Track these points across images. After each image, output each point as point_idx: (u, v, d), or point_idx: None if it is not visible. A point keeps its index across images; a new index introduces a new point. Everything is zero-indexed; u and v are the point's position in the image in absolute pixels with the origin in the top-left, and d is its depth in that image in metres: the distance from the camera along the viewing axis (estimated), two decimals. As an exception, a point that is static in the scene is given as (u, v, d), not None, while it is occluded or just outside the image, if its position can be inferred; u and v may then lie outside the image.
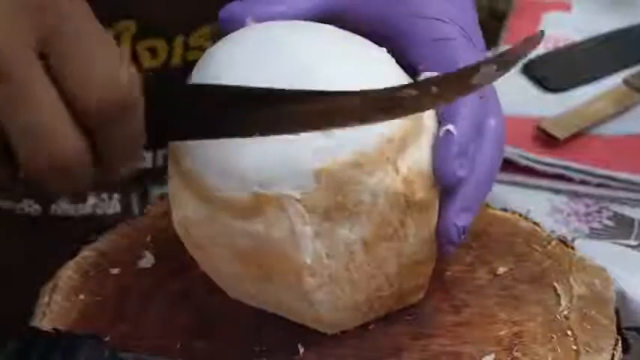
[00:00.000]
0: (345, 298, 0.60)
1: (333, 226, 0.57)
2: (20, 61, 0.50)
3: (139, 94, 0.53)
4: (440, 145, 0.59)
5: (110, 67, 0.51)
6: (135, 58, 0.75)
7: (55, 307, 0.66)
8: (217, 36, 0.62)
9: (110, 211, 0.80)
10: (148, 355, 0.62)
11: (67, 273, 0.68)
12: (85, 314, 0.66)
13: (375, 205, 0.57)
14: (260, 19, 0.61)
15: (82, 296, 0.67)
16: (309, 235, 0.57)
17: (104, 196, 0.80)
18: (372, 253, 0.58)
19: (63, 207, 0.80)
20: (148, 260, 0.69)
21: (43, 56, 0.51)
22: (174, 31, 0.75)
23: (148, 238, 0.70)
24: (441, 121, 0.60)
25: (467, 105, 0.60)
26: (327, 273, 0.58)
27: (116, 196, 0.80)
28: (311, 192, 0.56)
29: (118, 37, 0.74)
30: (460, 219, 0.60)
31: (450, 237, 0.60)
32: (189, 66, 0.74)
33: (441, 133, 0.60)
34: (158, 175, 0.79)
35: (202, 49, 0.75)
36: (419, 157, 0.59)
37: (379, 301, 0.61)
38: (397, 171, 0.58)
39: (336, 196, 0.56)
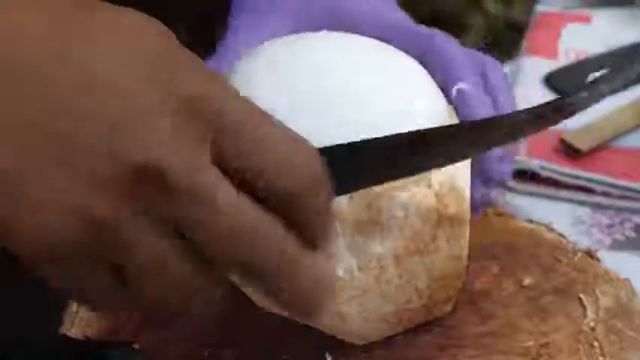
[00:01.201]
0: (375, 311, 0.60)
1: (365, 239, 0.58)
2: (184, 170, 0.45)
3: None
4: (459, 103, 0.62)
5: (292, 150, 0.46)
6: None
7: (83, 316, 0.67)
8: None
9: None
10: (177, 362, 0.63)
11: (96, 281, 0.69)
12: (114, 322, 0.66)
13: (406, 219, 0.58)
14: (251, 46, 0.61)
15: (110, 304, 0.67)
16: (342, 247, 0.57)
17: None
18: (402, 267, 0.59)
19: None
20: (176, 269, 0.69)
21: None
22: None
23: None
24: (443, 88, 0.62)
25: (472, 67, 0.63)
26: (357, 285, 0.59)
27: None
28: (344, 206, 0.57)
29: None
30: (499, 164, 0.64)
31: (500, 175, 0.63)
32: None
33: (454, 93, 0.62)
34: None
35: None
36: (451, 172, 0.59)
37: (408, 313, 0.61)
38: (429, 186, 0.58)
39: (368, 211, 0.57)
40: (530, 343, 0.63)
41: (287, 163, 0.45)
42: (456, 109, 0.63)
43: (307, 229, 0.47)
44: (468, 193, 0.60)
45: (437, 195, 0.58)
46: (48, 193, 0.44)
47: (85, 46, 0.45)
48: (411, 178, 0.57)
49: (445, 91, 0.63)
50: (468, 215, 0.60)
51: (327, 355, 0.63)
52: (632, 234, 0.84)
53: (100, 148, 0.44)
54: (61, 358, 0.60)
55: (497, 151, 0.63)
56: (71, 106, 0.44)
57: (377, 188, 0.56)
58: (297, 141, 0.46)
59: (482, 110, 0.63)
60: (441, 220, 0.59)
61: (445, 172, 0.59)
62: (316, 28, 0.63)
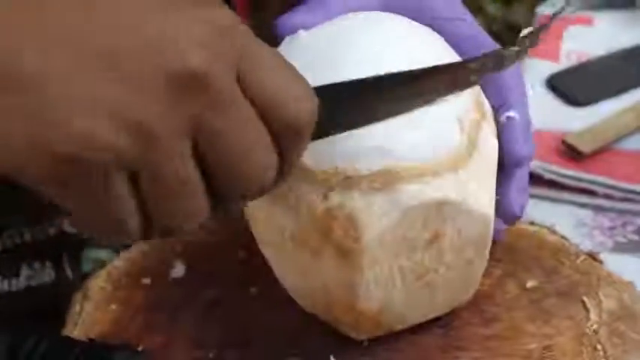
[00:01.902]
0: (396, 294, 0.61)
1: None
2: (222, 77, 0.50)
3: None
4: (505, 130, 0.64)
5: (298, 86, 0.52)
6: None
7: (86, 317, 0.67)
8: None
9: (46, 279, 0.80)
10: (181, 364, 0.63)
11: (98, 283, 0.69)
12: (117, 324, 0.66)
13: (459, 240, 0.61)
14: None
15: (113, 306, 0.67)
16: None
17: (36, 265, 0.79)
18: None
19: None
20: (179, 270, 0.69)
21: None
22: None
23: (179, 248, 0.71)
24: (498, 111, 0.64)
25: (521, 93, 0.65)
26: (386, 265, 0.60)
27: (49, 264, 0.79)
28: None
29: None
30: (520, 197, 0.65)
31: (514, 213, 0.65)
32: None
33: (503, 120, 0.64)
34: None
35: None
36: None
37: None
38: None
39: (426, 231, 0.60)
40: (534, 346, 0.64)
41: (287, 97, 0.51)
42: (500, 133, 0.65)
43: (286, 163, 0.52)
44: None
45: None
46: (98, 98, 0.48)
47: None
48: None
49: (496, 112, 0.65)
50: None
51: (331, 357, 0.63)
52: (634, 236, 0.85)
53: (146, 59, 0.48)
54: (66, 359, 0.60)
55: (515, 185, 0.65)
56: (112, 22, 0.48)
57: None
58: (298, 81, 0.52)
59: (525, 146, 0.65)
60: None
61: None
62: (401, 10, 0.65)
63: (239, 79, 0.50)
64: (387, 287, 0.61)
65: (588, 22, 1.04)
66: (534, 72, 0.98)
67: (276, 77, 0.51)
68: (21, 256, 0.77)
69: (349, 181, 0.58)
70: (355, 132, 0.56)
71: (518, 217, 0.65)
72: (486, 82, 0.64)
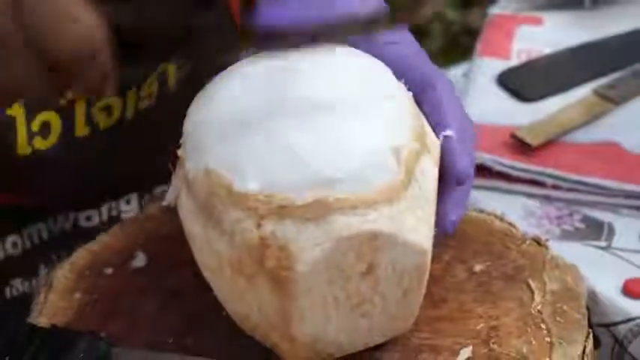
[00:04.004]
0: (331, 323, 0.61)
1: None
2: None
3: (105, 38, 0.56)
4: (443, 149, 0.64)
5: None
6: (90, 121, 0.76)
7: (50, 306, 0.69)
8: None
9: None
10: (141, 349, 0.65)
11: (62, 273, 0.71)
12: (80, 312, 0.68)
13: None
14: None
15: (77, 295, 0.69)
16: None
17: (53, 263, 0.81)
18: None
19: (16, 287, 0.81)
20: (140, 260, 0.71)
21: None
22: (127, 86, 0.77)
23: (140, 240, 0.73)
24: (435, 130, 0.65)
25: (457, 111, 0.66)
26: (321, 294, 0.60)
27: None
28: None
29: (72, 102, 0.75)
30: (454, 213, 0.65)
31: (444, 228, 0.65)
32: (141, 114, 0.77)
33: (440, 138, 0.64)
34: (103, 229, 0.80)
35: (151, 95, 0.78)
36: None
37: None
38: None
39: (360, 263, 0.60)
40: (481, 326, 0.66)
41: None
42: (442, 151, 0.65)
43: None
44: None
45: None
46: None
47: None
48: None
49: (435, 130, 0.65)
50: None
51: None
52: (581, 225, 0.87)
53: None
54: (30, 346, 0.62)
55: (450, 201, 0.66)
56: None
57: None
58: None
59: (465, 160, 0.66)
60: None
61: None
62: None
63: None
64: (321, 316, 0.61)
65: (538, 22, 1.07)
66: (486, 69, 1.00)
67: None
68: (39, 256, 0.79)
69: (283, 210, 0.58)
70: (289, 160, 0.57)
71: (449, 232, 0.65)
72: (422, 102, 0.65)
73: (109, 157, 0.77)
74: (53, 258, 0.80)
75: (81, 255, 0.72)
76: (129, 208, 0.81)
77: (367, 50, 0.65)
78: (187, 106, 0.64)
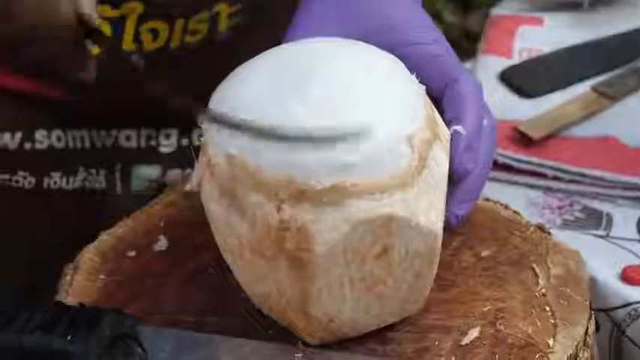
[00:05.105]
0: (346, 303, 0.63)
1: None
2: None
3: None
4: (451, 144, 0.66)
5: None
6: (137, 39, 0.79)
7: (77, 287, 0.71)
8: None
9: (97, 186, 0.85)
10: (164, 326, 0.67)
11: (88, 255, 0.73)
12: (105, 293, 0.71)
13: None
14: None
15: (101, 276, 0.72)
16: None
17: (92, 171, 0.85)
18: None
19: (55, 180, 0.85)
20: (162, 244, 0.74)
21: None
22: (176, 14, 0.79)
23: (162, 224, 0.75)
24: (448, 123, 0.66)
25: (471, 107, 0.67)
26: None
27: (102, 172, 0.85)
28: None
29: (124, 18, 0.78)
30: (460, 209, 0.67)
31: (449, 224, 0.67)
32: (186, 48, 0.79)
33: (450, 133, 0.66)
34: (140, 154, 0.84)
35: (199, 33, 0.80)
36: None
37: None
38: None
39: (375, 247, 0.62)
40: (488, 308, 0.68)
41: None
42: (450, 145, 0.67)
43: None
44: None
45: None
46: None
47: None
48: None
49: (447, 123, 0.67)
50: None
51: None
52: (581, 214, 0.89)
53: None
54: (58, 323, 0.64)
55: (456, 196, 0.67)
56: None
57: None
58: None
59: (464, 156, 0.67)
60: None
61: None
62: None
63: None
64: (337, 296, 0.63)
65: (539, 22, 1.10)
66: (489, 67, 1.03)
67: None
68: (80, 159, 0.83)
69: (302, 195, 0.60)
70: (309, 146, 0.59)
71: (454, 226, 0.67)
72: (443, 96, 0.67)
73: (149, 81, 0.79)
74: (92, 171, 0.83)
75: (105, 239, 0.75)
76: (168, 142, 0.84)
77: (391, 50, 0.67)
78: (230, 67, 0.65)
